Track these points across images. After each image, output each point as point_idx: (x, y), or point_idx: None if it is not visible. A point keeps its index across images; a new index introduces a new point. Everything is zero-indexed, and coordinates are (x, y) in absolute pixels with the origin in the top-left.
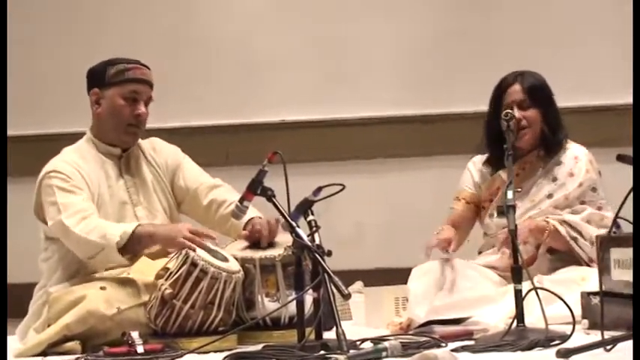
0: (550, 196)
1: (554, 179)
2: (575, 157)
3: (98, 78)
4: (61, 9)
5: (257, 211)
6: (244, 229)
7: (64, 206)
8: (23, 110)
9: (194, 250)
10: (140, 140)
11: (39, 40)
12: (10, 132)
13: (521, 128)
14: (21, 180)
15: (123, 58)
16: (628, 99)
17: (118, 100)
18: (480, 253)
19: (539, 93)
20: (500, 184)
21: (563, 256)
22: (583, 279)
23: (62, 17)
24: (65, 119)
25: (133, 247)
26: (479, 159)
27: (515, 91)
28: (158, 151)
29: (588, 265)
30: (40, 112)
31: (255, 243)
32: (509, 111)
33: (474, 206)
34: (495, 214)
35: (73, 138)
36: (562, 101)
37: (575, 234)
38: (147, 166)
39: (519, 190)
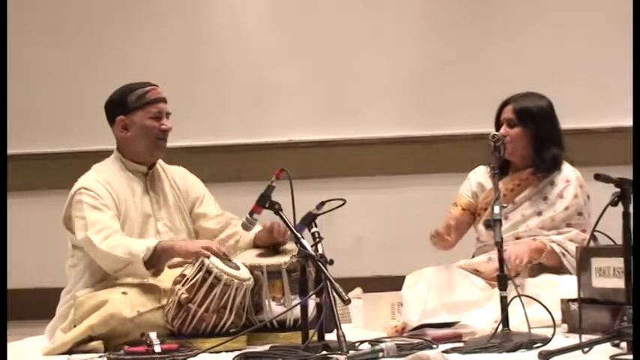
0: (540, 213)
1: (546, 198)
2: (567, 180)
3: (121, 106)
4: (79, 41)
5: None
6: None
7: (91, 223)
8: (56, 129)
9: (208, 258)
10: (166, 165)
11: (55, 67)
12: (42, 149)
13: (504, 143)
14: (53, 192)
15: (134, 83)
16: (604, 123)
17: (147, 121)
18: (473, 256)
19: (528, 114)
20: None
21: (545, 267)
22: (560, 282)
23: (78, 49)
24: (92, 139)
25: (155, 260)
26: (480, 169)
27: (507, 110)
28: (183, 179)
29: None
30: (72, 132)
31: (262, 253)
32: (496, 133)
33: (469, 213)
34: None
35: (103, 155)
36: None
37: (563, 251)
38: (169, 188)
39: (505, 205)
